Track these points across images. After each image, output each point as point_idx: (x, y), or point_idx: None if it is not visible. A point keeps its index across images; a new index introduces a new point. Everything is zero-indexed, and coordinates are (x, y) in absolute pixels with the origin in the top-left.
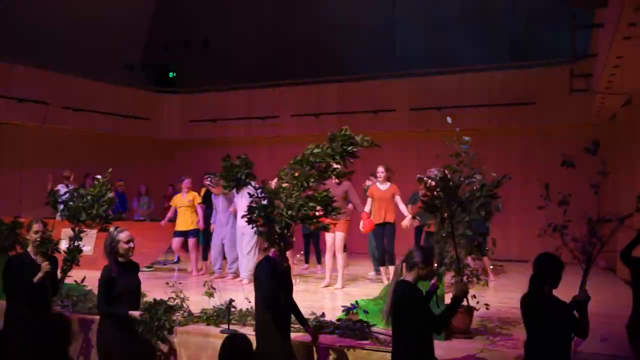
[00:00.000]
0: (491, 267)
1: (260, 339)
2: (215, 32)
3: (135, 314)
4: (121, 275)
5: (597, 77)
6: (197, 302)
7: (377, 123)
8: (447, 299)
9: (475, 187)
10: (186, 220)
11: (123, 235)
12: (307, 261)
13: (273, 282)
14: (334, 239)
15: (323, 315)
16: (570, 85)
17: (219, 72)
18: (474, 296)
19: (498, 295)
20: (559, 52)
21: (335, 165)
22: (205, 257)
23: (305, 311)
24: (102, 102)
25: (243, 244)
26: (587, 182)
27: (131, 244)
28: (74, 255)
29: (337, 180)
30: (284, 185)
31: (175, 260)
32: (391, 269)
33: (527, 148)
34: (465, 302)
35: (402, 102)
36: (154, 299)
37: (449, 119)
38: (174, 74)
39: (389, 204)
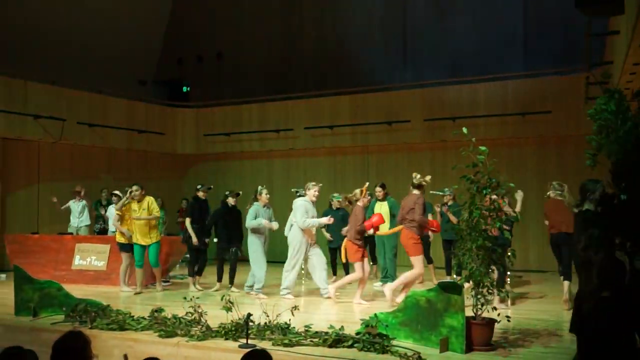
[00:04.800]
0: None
1: None
2: (227, 46)
3: None
4: None
5: (613, 84)
6: (215, 316)
7: (391, 134)
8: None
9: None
10: None
11: None
12: (334, 273)
13: None
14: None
15: (342, 328)
16: (585, 93)
17: (232, 85)
18: (495, 308)
19: (518, 307)
20: (573, 59)
21: None
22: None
23: (323, 324)
24: (116, 117)
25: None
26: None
27: None
28: None
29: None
30: None
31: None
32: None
33: (543, 158)
34: (486, 314)
35: (416, 112)
36: None
37: (464, 130)
38: (188, 89)
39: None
